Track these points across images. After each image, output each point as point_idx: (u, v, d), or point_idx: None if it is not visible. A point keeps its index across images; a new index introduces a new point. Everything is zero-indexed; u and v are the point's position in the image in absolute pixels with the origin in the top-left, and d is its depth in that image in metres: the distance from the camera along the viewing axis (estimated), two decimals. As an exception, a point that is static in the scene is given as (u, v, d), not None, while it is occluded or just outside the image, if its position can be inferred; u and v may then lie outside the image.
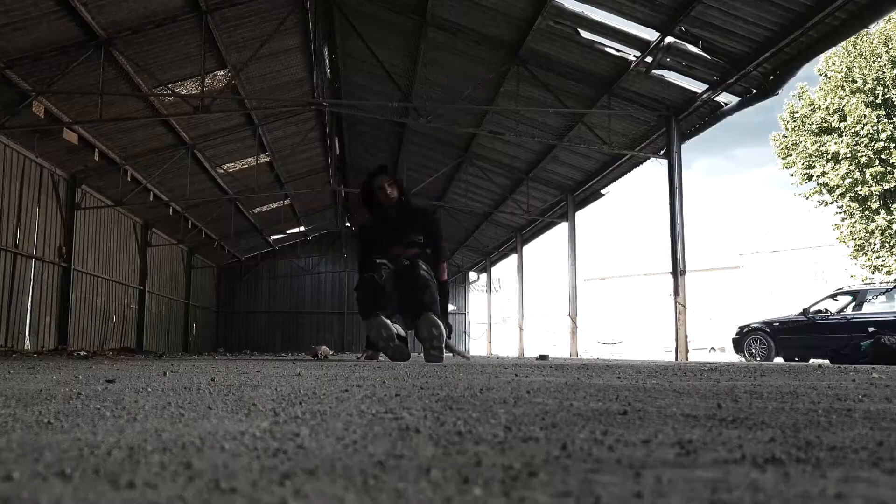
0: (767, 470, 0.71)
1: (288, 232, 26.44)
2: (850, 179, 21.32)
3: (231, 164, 16.79)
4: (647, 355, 25.80)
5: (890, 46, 21.14)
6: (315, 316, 29.00)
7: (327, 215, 25.45)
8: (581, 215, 17.12)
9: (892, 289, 12.06)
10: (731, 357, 17.95)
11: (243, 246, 25.57)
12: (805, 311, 13.29)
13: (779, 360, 13.03)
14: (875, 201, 21.47)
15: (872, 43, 21.19)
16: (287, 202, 21.70)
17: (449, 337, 5.33)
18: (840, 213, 22.69)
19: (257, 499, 0.57)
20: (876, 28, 21.10)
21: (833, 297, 13.52)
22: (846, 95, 21.52)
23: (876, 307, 12.17)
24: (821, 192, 22.64)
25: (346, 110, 15.60)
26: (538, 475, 0.67)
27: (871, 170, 21.01)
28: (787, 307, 18.62)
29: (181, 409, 1.27)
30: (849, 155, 21.15)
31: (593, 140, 12.53)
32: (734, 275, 39.14)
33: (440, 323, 5.14)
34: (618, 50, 10.41)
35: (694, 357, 16.86)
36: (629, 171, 14.31)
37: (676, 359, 10.46)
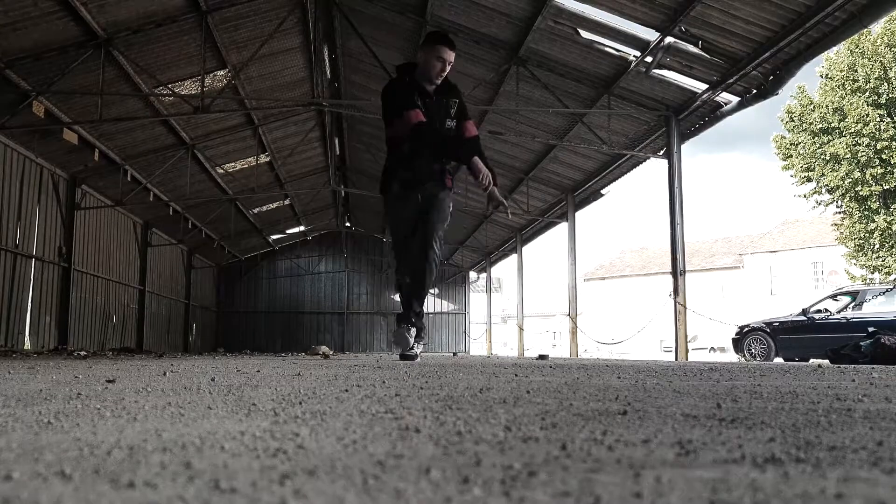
0: (767, 470, 0.71)
1: (288, 232, 26.45)
2: (850, 180, 21.33)
3: (231, 164, 16.80)
4: (647, 355, 25.79)
5: (893, 45, 21.13)
6: (315, 316, 29.00)
7: (327, 215, 25.46)
8: (581, 215, 17.14)
9: (892, 289, 12.05)
10: (732, 357, 17.95)
11: (243, 246, 25.58)
12: (805, 311, 13.29)
13: (779, 360, 13.03)
14: (875, 201, 21.48)
15: (875, 42, 21.18)
16: (287, 202, 21.70)
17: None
18: (840, 213, 22.71)
19: (257, 499, 0.57)
20: (878, 28, 21.10)
21: (833, 297, 13.53)
22: (846, 94, 21.52)
23: (876, 307, 12.18)
24: (820, 193, 22.67)
25: (346, 110, 15.60)
26: (538, 475, 0.67)
27: (872, 170, 21.02)
28: (787, 307, 18.64)
29: (181, 409, 1.27)
30: (848, 155, 21.15)
31: (593, 140, 12.53)
32: (734, 275, 39.15)
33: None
34: (618, 50, 10.41)
35: (694, 357, 16.85)
36: (629, 171, 14.31)
37: (676, 359, 10.46)
